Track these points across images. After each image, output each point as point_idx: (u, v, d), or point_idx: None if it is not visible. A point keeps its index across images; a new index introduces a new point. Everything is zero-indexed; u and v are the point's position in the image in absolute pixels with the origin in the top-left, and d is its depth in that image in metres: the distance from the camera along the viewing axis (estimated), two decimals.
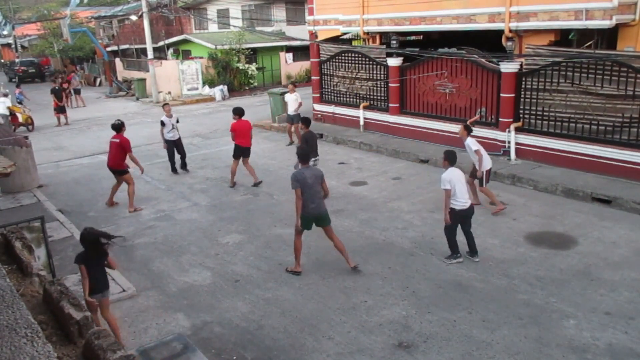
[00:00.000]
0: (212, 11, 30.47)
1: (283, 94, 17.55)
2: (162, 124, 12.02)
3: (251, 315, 6.27)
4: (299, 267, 7.18)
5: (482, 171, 8.85)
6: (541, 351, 5.35)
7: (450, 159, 7.32)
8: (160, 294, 6.89)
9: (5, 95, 19.15)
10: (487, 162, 8.95)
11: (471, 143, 8.92)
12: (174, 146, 12.24)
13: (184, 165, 12.57)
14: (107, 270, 7.50)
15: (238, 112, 11.11)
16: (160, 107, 17.41)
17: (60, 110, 20.37)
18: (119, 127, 10.11)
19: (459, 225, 7.32)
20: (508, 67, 11.35)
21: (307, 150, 7.41)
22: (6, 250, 3.22)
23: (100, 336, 2.15)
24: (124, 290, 6.90)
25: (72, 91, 25.05)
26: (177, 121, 12.23)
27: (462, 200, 7.15)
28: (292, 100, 14.16)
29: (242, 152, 11.11)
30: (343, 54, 15.70)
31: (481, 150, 8.85)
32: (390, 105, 14.46)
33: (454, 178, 7.13)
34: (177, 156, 12.44)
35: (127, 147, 9.93)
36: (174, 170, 12.42)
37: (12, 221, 6.62)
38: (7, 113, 18.13)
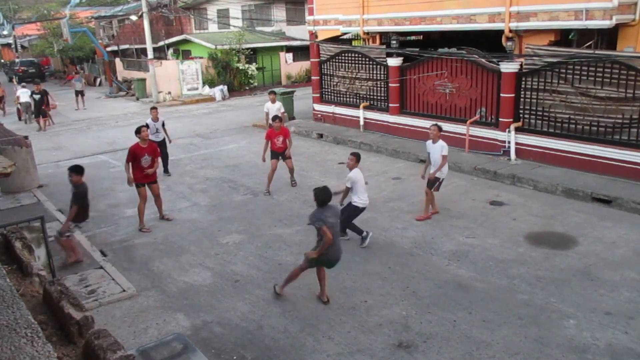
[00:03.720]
0: (212, 11, 30.47)
1: (284, 93, 17.54)
2: (147, 126, 11.80)
3: (251, 315, 6.27)
4: (282, 290, 6.62)
5: (437, 177, 8.75)
6: (541, 351, 5.35)
7: (358, 160, 7.90)
8: (160, 294, 6.89)
9: (24, 87, 21.04)
10: (446, 171, 8.91)
11: (445, 146, 8.73)
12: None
13: (166, 170, 12.19)
14: (107, 270, 7.54)
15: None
16: (160, 108, 17.40)
17: (40, 114, 19.66)
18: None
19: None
20: (508, 67, 11.35)
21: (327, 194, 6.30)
22: (6, 250, 3.22)
23: (100, 336, 2.15)
24: (124, 290, 6.90)
25: (75, 92, 25.02)
26: (163, 124, 12.12)
27: (364, 198, 7.87)
28: (275, 110, 13.17)
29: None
30: (343, 54, 15.70)
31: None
32: (390, 105, 14.46)
33: (359, 178, 7.78)
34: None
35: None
36: None
37: (12, 221, 6.62)
38: (30, 102, 19.98)
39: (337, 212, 6.49)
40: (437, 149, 8.73)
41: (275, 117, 10.97)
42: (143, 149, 9.08)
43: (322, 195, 6.26)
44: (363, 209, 7.96)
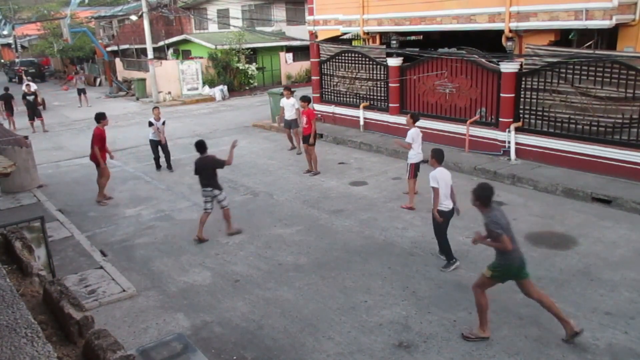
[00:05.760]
0: (212, 11, 30.47)
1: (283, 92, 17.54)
2: (150, 124, 12.64)
3: (251, 315, 6.27)
4: (485, 330, 5.53)
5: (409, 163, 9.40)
6: (541, 351, 5.35)
7: (438, 158, 7.30)
8: (160, 294, 6.89)
9: (30, 81, 22.93)
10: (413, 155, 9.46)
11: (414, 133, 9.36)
12: (158, 145, 12.71)
13: (169, 166, 12.90)
14: (107, 270, 7.54)
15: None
16: (160, 108, 17.53)
17: (34, 116, 19.24)
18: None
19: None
20: (508, 67, 11.35)
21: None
22: (6, 250, 3.21)
23: (100, 336, 2.15)
24: (124, 290, 6.90)
25: (77, 91, 25.21)
26: (164, 123, 12.79)
27: (445, 202, 7.06)
28: (289, 106, 13.71)
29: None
30: (343, 54, 15.70)
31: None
32: (390, 105, 14.46)
33: (442, 177, 7.04)
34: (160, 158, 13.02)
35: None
36: (158, 166, 12.93)
37: (12, 221, 6.62)
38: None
39: (503, 212, 5.67)
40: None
41: (303, 97, 12.06)
42: (104, 132, 10.60)
43: (486, 192, 5.49)
44: (449, 213, 7.10)
